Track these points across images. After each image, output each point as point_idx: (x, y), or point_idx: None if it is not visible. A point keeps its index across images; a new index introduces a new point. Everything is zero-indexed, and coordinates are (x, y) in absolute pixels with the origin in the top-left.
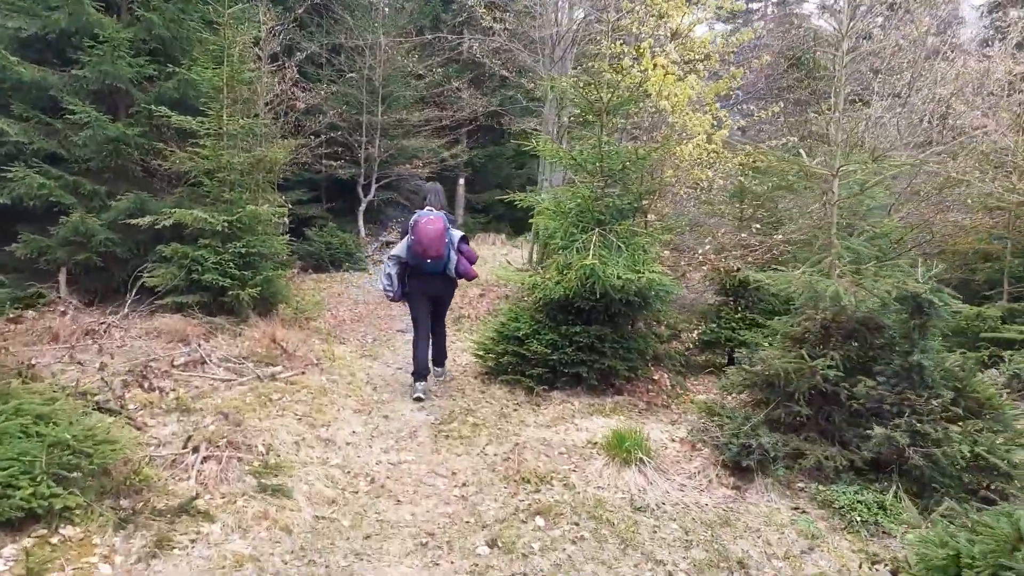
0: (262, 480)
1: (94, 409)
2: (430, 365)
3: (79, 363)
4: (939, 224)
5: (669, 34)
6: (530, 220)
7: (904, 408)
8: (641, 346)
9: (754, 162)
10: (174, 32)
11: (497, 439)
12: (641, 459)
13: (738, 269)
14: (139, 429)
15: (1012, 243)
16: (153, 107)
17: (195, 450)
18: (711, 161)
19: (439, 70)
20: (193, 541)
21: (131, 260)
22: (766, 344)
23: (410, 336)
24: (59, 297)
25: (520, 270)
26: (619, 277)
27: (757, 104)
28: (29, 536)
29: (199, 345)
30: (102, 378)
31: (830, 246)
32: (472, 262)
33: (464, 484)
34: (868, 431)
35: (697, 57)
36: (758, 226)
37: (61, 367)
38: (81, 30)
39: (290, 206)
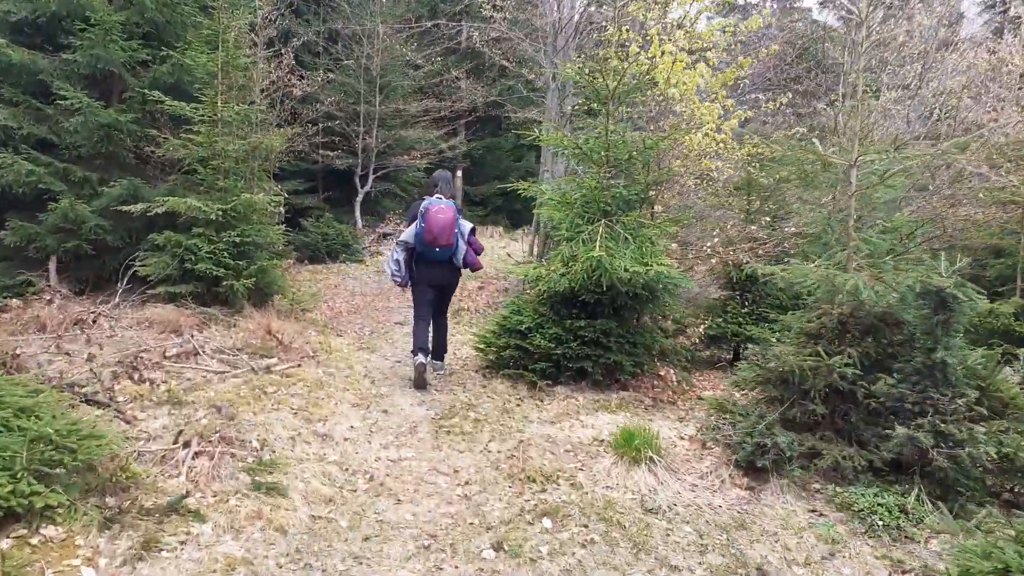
0: (256, 477)
1: (82, 401)
2: (430, 358)
3: (67, 354)
4: (950, 219)
5: (675, 23)
6: (532, 211)
7: (927, 407)
8: (647, 341)
9: (762, 153)
10: (167, 16)
11: (500, 435)
12: (651, 458)
13: (746, 263)
14: (128, 422)
15: None
16: (147, 92)
17: (186, 445)
18: (719, 151)
19: (438, 59)
20: (182, 542)
21: (123, 248)
22: (774, 339)
23: (408, 328)
24: (49, 286)
25: (521, 263)
26: (626, 270)
27: (765, 95)
28: (8, 536)
29: (192, 336)
30: (91, 369)
31: (848, 239)
32: (478, 254)
33: (467, 483)
34: (887, 431)
35: (705, 46)
36: (768, 219)
37: (48, 358)
38: (72, 13)
39: (286, 196)
